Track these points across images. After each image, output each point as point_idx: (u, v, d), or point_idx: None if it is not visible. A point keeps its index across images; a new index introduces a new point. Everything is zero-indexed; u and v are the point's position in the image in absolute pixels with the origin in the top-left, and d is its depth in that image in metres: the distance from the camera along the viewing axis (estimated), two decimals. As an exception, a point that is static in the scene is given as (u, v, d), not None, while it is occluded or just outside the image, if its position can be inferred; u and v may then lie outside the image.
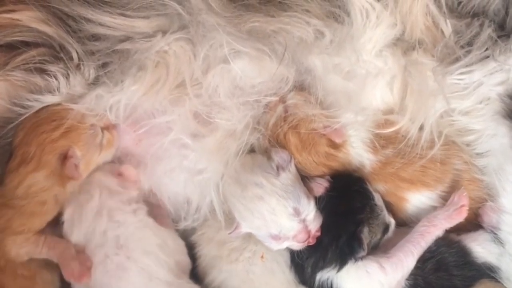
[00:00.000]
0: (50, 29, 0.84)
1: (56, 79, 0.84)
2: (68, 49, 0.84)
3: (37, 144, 0.84)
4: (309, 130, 0.88)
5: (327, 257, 0.85)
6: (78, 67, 0.85)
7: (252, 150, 0.93)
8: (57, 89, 0.85)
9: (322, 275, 0.86)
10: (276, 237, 0.84)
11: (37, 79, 0.85)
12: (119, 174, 0.90)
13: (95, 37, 0.86)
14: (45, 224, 0.86)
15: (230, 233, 0.87)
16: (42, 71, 0.85)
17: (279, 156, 0.87)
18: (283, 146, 0.90)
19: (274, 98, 0.90)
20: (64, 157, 0.84)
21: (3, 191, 0.84)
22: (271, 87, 0.90)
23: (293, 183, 0.85)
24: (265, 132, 0.91)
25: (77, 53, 0.84)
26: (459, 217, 0.86)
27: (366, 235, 0.86)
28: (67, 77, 0.85)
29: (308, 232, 0.83)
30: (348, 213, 0.87)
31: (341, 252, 0.85)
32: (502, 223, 0.85)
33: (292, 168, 0.87)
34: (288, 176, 0.85)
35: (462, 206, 0.86)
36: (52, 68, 0.84)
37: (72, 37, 0.84)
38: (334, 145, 0.90)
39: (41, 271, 0.86)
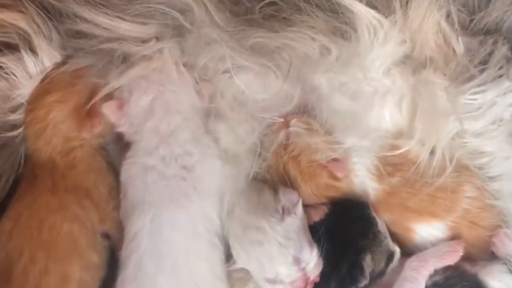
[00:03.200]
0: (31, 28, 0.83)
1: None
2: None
3: (72, 75, 0.81)
4: (310, 162, 0.85)
5: (330, 287, 0.82)
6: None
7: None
8: None
9: (325, 305, 0.82)
10: (272, 281, 0.81)
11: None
12: None
13: (81, 35, 0.84)
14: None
15: (228, 266, 0.85)
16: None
17: (287, 198, 0.84)
18: (282, 175, 0.87)
19: (280, 119, 0.88)
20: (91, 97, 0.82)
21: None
22: (275, 104, 0.87)
23: (298, 229, 0.81)
24: (266, 158, 0.88)
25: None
26: (450, 260, 0.83)
27: (368, 263, 0.82)
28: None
29: (306, 279, 0.80)
30: (349, 240, 0.83)
31: (343, 281, 0.82)
32: (517, 250, 0.82)
33: (299, 211, 0.83)
34: (293, 221, 0.82)
35: (456, 251, 0.83)
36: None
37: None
38: (336, 177, 0.87)
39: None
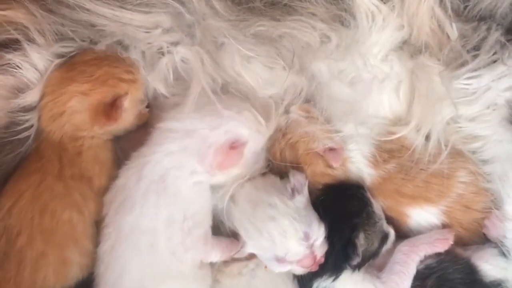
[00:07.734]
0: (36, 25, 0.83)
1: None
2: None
3: (105, 72, 0.82)
4: (307, 150, 0.86)
5: (325, 264, 0.83)
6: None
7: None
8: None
9: (319, 284, 0.83)
10: (281, 260, 0.81)
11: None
12: None
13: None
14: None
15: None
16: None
17: (296, 178, 0.85)
18: (279, 161, 0.88)
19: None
20: (115, 100, 0.82)
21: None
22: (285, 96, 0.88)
23: (306, 207, 0.83)
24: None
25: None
26: (441, 248, 0.84)
27: (361, 241, 0.83)
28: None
29: (314, 258, 0.81)
30: (344, 218, 0.84)
31: (337, 258, 0.83)
32: (507, 231, 0.83)
33: (305, 191, 0.85)
34: (302, 199, 0.83)
35: (447, 240, 0.84)
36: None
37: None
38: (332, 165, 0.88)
39: None
